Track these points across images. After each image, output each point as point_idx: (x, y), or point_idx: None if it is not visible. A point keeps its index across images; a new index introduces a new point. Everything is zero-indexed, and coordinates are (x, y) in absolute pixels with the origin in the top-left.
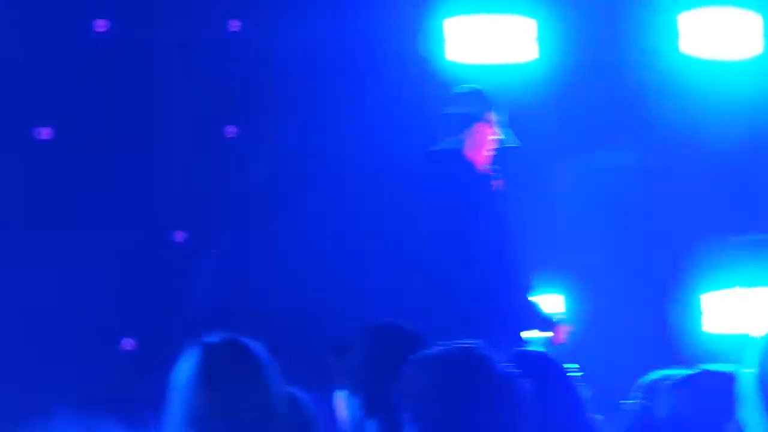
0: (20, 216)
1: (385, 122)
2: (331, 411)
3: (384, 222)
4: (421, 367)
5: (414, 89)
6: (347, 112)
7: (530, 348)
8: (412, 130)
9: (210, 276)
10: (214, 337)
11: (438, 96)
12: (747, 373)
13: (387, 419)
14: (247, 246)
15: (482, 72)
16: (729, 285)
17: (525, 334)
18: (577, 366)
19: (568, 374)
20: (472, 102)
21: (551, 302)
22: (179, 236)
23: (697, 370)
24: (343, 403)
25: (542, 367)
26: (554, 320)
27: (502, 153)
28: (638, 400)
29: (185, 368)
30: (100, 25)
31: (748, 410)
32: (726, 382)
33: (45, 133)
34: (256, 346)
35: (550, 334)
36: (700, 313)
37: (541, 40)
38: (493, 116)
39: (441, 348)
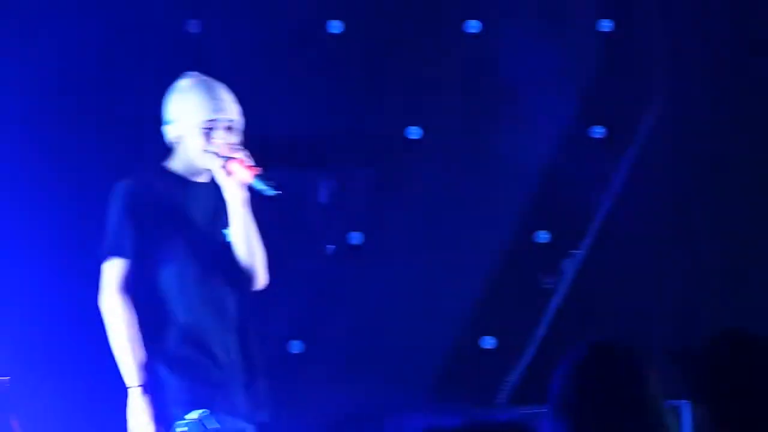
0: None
1: None
2: None
3: None
4: None
5: None
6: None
7: None
8: None
9: (569, 276)
10: (596, 340)
11: None
12: None
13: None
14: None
15: None
16: None
17: None
18: None
19: None
20: None
21: None
22: (542, 236)
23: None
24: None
25: None
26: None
27: None
28: None
29: (569, 371)
30: None
31: None
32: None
33: None
34: (637, 351)
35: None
36: None
37: None
38: None
39: None
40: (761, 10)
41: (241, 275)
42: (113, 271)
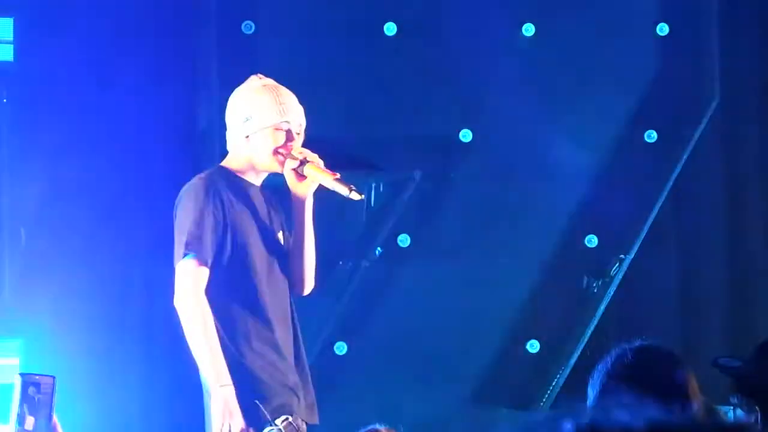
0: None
1: None
2: None
3: None
4: None
5: None
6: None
7: None
8: None
9: (617, 281)
10: (636, 342)
11: None
12: None
13: None
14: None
15: None
16: None
17: None
18: None
19: None
20: None
21: None
22: (591, 241)
23: None
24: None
25: None
26: None
27: None
28: None
29: (609, 369)
30: None
31: None
32: None
33: None
34: (677, 355)
35: None
36: None
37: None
38: None
39: None
40: None
41: (293, 279)
42: (193, 270)
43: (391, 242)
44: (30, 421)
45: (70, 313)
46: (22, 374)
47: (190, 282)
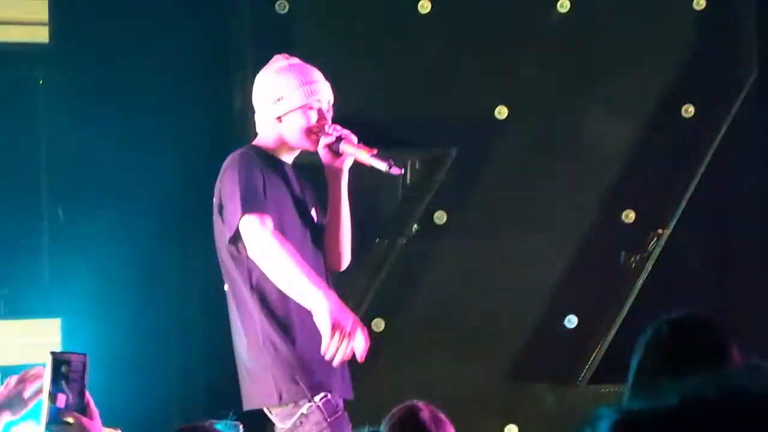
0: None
1: None
2: None
3: None
4: None
5: None
6: None
7: None
8: None
9: (655, 256)
10: (678, 314)
11: None
12: None
13: None
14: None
15: None
16: None
17: None
18: None
19: None
20: None
21: None
22: (628, 216)
23: None
24: None
25: None
26: None
27: None
28: None
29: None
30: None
31: None
32: None
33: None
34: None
35: None
36: None
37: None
38: None
39: None
40: None
41: (329, 255)
42: (257, 221)
43: (427, 219)
44: (62, 399)
45: (109, 292)
46: (53, 353)
47: (259, 229)
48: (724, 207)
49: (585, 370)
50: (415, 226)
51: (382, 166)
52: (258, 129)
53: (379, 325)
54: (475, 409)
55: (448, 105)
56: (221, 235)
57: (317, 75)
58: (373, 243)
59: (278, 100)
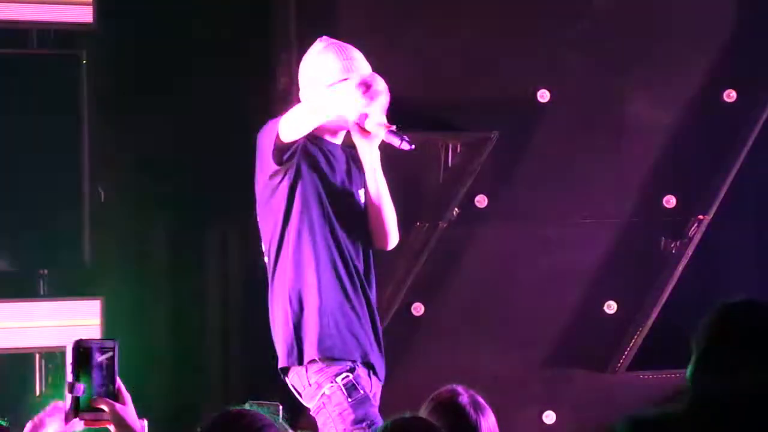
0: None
1: None
2: None
3: None
4: None
5: None
6: None
7: None
8: None
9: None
10: (735, 299)
11: None
12: None
13: None
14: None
15: None
16: None
17: None
18: None
19: None
20: None
21: None
22: (669, 201)
23: None
24: None
25: None
26: None
27: None
28: None
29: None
30: None
31: None
32: None
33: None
34: None
35: None
36: None
37: None
38: None
39: None
40: None
41: (374, 235)
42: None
43: (468, 203)
44: (79, 388)
45: (149, 272)
46: (80, 340)
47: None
48: (765, 193)
49: (624, 357)
50: (456, 210)
51: (395, 141)
52: None
53: (418, 309)
54: (514, 394)
55: (489, 88)
56: (261, 180)
57: (353, 52)
58: (414, 227)
59: (313, 80)
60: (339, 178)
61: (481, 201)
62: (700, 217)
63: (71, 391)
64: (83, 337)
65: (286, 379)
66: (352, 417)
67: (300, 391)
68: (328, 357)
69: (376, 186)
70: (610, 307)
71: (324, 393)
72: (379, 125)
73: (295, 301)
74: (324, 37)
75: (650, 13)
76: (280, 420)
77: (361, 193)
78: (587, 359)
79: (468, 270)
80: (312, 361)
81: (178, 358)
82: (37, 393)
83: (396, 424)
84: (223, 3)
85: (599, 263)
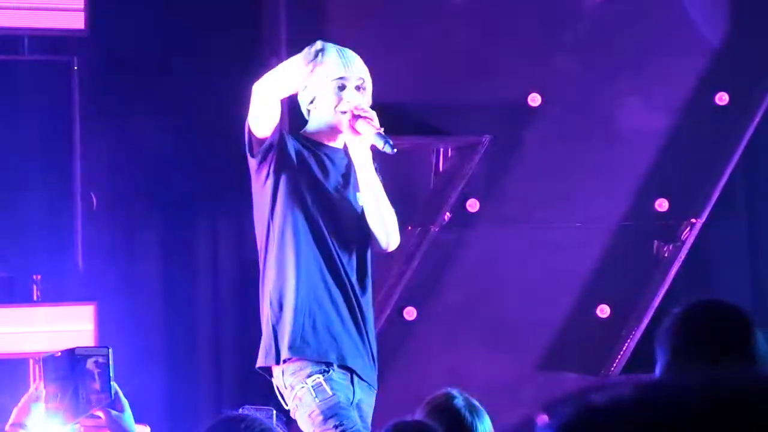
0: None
1: None
2: None
3: None
4: None
5: None
6: None
7: None
8: None
9: (688, 245)
10: (694, 300)
11: None
12: None
13: None
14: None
15: None
16: None
17: None
18: None
19: None
20: None
21: None
22: (661, 205)
23: None
24: None
25: None
26: None
27: None
28: None
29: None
30: None
31: None
32: None
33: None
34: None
35: None
36: None
37: None
38: None
39: None
40: None
41: (373, 237)
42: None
43: (459, 207)
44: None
45: (142, 277)
46: (75, 347)
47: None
48: (757, 196)
49: (616, 361)
50: (447, 213)
51: (379, 143)
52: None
53: (410, 313)
54: (507, 397)
55: (481, 92)
56: (252, 177)
57: (350, 54)
58: (405, 230)
59: (310, 81)
60: (333, 182)
61: (473, 205)
62: (693, 220)
63: (51, 400)
64: (76, 346)
65: (273, 380)
66: (320, 419)
67: (282, 393)
68: (300, 357)
69: (367, 184)
70: (603, 310)
71: (296, 394)
72: (369, 126)
73: (275, 301)
74: (319, 41)
75: (642, 17)
76: (275, 424)
77: (359, 195)
78: (580, 363)
79: (460, 274)
80: (287, 362)
81: (171, 363)
82: None
83: (398, 428)
84: (214, 9)
85: (592, 267)
